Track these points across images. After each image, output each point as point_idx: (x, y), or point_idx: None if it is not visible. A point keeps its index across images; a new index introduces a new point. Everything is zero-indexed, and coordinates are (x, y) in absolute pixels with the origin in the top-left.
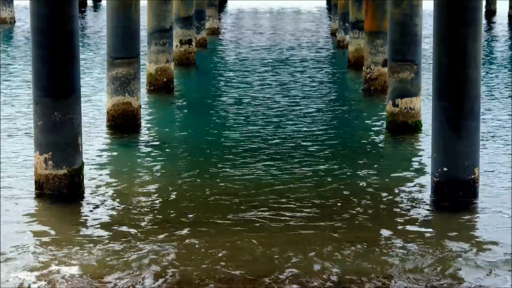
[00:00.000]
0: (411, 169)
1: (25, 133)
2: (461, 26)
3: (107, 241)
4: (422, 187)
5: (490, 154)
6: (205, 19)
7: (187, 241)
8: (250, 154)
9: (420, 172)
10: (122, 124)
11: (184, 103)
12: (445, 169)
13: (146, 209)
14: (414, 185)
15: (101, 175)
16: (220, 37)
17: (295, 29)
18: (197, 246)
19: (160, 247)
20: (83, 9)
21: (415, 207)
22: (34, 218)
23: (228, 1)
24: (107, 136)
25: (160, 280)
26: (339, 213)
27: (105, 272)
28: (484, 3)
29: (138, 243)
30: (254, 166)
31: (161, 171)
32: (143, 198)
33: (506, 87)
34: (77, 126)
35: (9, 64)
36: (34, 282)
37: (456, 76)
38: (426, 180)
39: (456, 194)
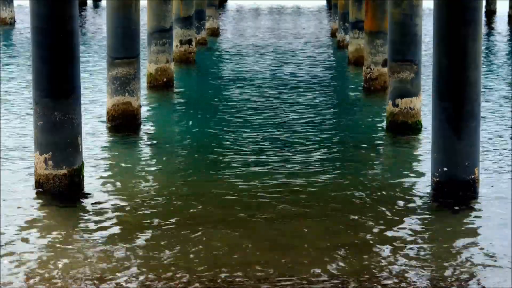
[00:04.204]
0: (411, 169)
1: (25, 133)
2: (461, 26)
3: (107, 241)
4: (422, 187)
5: (490, 154)
6: (205, 19)
7: (188, 240)
8: (250, 153)
9: (420, 172)
10: (122, 124)
11: (184, 103)
12: (445, 169)
13: (146, 209)
14: (414, 185)
15: (101, 175)
16: (220, 37)
17: (295, 28)
18: (198, 245)
19: (161, 247)
20: (83, 9)
21: (415, 207)
22: (34, 218)
23: (228, 1)
24: (107, 136)
25: (161, 280)
26: (339, 212)
27: (105, 273)
28: (484, 3)
29: (138, 243)
30: (254, 165)
31: (161, 170)
32: (143, 198)
33: (506, 87)
34: (77, 126)
35: (9, 64)
36: (33, 283)
37: (456, 77)
38: (426, 180)
39: (456, 194)
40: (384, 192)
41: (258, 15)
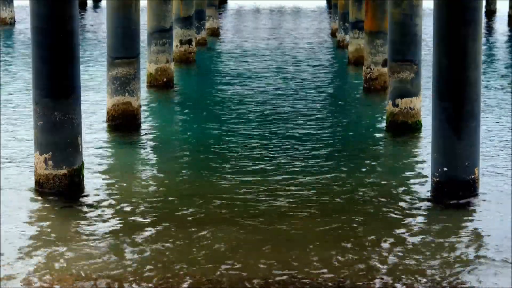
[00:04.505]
0: (411, 169)
1: (25, 133)
2: (461, 26)
3: (107, 241)
4: (422, 187)
5: (490, 154)
6: (205, 19)
7: (187, 240)
8: (250, 153)
9: (420, 172)
10: (122, 124)
11: (184, 103)
12: (445, 169)
13: (146, 209)
14: (414, 185)
15: (101, 175)
16: (220, 37)
17: (295, 28)
18: (197, 245)
19: (160, 246)
20: (83, 9)
21: (415, 207)
22: (34, 218)
23: (228, 1)
24: (107, 136)
25: (161, 280)
26: (339, 212)
27: (105, 272)
28: (484, 3)
29: (138, 243)
30: (253, 164)
31: (161, 170)
32: (143, 198)
33: (506, 87)
34: (77, 126)
35: (9, 64)
36: (33, 282)
37: (456, 77)
38: (426, 180)
39: (456, 194)
40: (384, 192)
41: (258, 15)
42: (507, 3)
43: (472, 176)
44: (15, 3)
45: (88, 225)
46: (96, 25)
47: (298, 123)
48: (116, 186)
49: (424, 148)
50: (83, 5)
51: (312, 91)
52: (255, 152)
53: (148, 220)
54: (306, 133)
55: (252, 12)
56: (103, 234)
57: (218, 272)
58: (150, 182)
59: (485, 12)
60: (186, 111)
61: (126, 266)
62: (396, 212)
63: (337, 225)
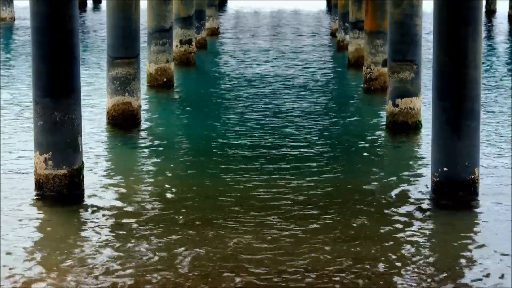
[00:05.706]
0: (411, 169)
1: (25, 133)
2: (461, 26)
3: (107, 241)
4: (422, 187)
5: (490, 154)
6: (205, 19)
7: (187, 240)
8: (250, 153)
9: (420, 172)
10: (122, 124)
11: (184, 103)
12: (445, 169)
13: (146, 209)
14: (414, 185)
15: (101, 175)
16: (220, 37)
17: (295, 29)
18: (197, 245)
19: (161, 246)
20: (83, 9)
21: (415, 207)
22: (34, 219)
23: (228, 1)
24: (107, 136)
25: (161, 280)
26: (339, 212)
27: (105, 272)
28: (484, 3)
29: (139, 243)
30: (253, 165)
31: (161, 170)
32: (143, 198)
33: (506, 87)
34: (77, 126)
35: (9, 64)
36: (33, 283)
37: (456, 77)
38: (426, 180)
39: (456, 194)
40: (384, 192)
41: (258, 16)
42: (507, 3)
43: (472, 176)
44: (15, 3)
45: (88, 225)
46: (96, 25)
47: (298, 122)
48: (116, 186)
49: (424, 148)
50: (83, 6)
51: (312, 91)
52: (255, 152)
53: (149, 220)
54: (306, 132)
55: (253, 13)
56: (103, 235)
57: (221, 272)
58: (150, 182)
59: (485, 12)
60: (186, 111)
61: (126, 266)
62: (395, 212)
63: (336, 224)
